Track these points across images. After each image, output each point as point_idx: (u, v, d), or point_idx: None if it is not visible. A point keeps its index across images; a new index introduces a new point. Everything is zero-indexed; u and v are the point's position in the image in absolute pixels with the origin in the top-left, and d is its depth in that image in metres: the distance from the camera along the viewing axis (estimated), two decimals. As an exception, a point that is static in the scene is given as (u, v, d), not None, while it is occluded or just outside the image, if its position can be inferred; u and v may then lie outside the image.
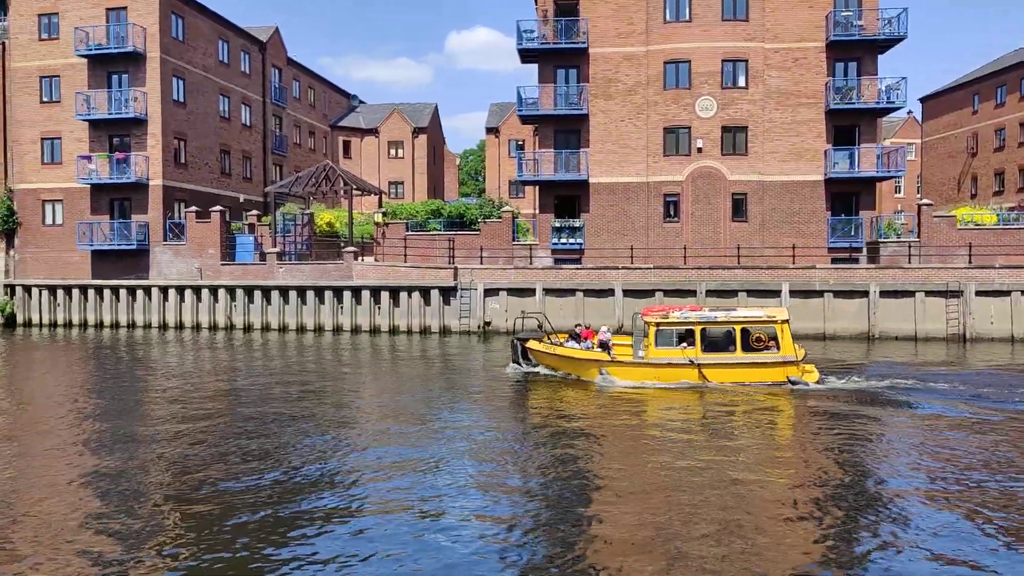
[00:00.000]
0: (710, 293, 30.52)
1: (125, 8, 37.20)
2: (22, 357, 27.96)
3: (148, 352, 28.27)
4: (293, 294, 33.96)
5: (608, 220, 35.70)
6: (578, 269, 32.43)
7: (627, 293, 31.09)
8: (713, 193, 35.20)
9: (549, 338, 21.35)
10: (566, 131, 36.33)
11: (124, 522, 9.74)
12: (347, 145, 61.35)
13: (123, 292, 36.10)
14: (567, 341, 21.08)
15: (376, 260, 35.10)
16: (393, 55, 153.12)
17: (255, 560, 8.56)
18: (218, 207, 36.89)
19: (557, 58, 35.97)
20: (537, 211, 38.11)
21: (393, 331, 32.66)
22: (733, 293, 30.41)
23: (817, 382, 18.77)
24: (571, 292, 31.43)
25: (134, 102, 36.97)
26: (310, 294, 33.77)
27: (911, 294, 29.63)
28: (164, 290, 35.67)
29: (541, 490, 11.00)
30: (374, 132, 61.80)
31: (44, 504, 10.54)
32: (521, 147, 55.97)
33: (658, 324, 19.21)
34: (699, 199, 35.27)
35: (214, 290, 35.06)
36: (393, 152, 62.29)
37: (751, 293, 30.30)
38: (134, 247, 36.77)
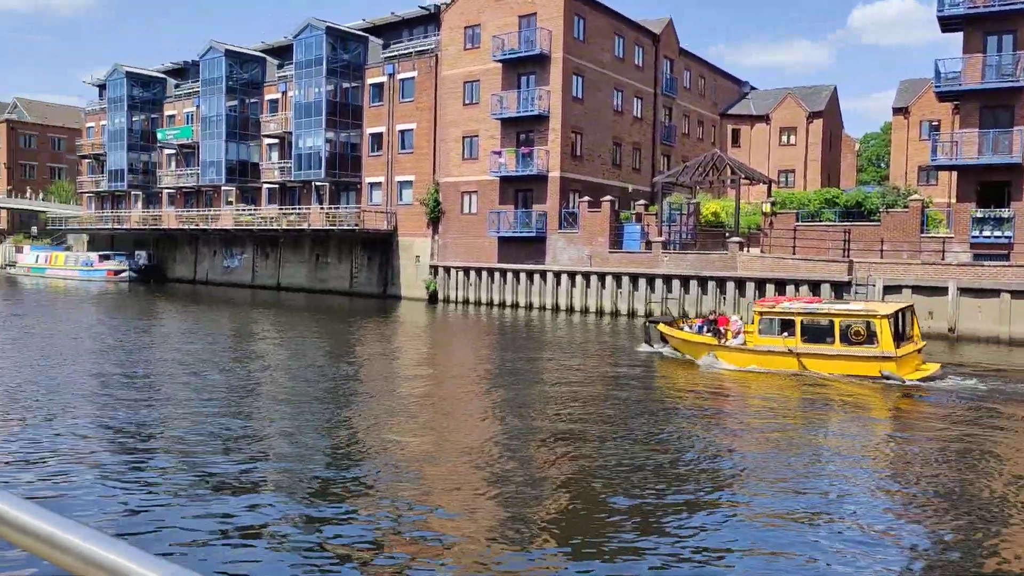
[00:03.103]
0: None
1: (535, 14, 40.47)
2: (444, 329, 32.16)
3: (543, 331, 30.63)
4: (676, 283, 34.23)
5: (1048, 210, 30.04)
6: (1006, 267, 27.83)
7: (1071, 298, 25.96)
8: None
9: (678, 323, 24.03)
10: (994, 107, 31.26)
11: (510, 490, 10.52)
12: (736, 133, 60.00)
13: (523, 276, 39.65)
14: (685, 327, 23.40)
15: (762, 251, 33.81)
16: (790, 37, 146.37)
17: (624, 545, 8.64)
18: (608, 197, 38.51)
19: (987, 23, 31.06)
20: (953, 200, 33.49)
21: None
22: None
23: (926, 378, 18.57)
24: (994, 293, 27.13)
25: (538, 100, 40.10)
26: (693, 283, 33.74)
27: None
28: (558, 275, 38.36)
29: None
30: (765, 119, 59.55)
31: (448, 464, 11.84)
32: (936, 128, 49.59)
33: (762, 313, 20.74)
34: None
35: (602, 276, 36.79)
36: (784, 139, 59.43)
37: None
38: (533, 234, 39.99)
